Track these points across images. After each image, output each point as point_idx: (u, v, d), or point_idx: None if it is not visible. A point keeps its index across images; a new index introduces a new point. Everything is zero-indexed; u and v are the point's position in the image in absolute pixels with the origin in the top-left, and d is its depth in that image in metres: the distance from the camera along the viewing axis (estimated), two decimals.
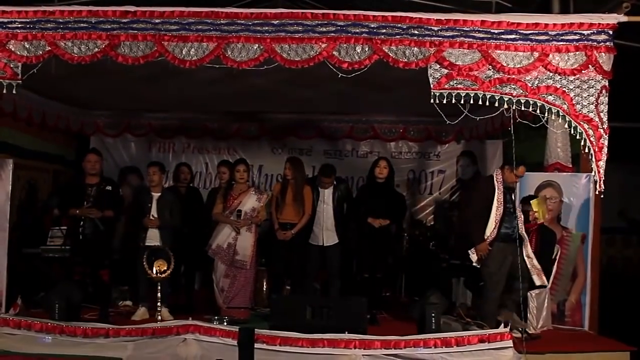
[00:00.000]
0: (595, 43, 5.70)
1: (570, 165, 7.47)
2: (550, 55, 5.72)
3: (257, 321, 6.96)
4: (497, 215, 6.53)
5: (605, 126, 5.69)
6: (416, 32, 5.74)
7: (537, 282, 6.55)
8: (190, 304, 7.89)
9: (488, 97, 5.75)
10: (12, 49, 5.87)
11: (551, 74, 5.74)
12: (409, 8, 5.91)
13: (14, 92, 5.94)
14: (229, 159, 9.33)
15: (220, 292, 7.47)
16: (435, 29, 5.74)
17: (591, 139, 5.67)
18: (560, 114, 5.73)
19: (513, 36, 5.74)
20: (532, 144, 7.96)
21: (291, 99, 9.01)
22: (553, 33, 5.72)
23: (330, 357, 5.85)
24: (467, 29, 5.75)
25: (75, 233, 7.39)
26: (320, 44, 5.75)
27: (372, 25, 5.74)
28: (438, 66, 5.76)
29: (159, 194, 7.56)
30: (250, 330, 5.93)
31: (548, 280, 6.87)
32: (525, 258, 6.51)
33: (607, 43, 5.71)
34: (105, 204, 7.39)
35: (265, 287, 8.36)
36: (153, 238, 7.39)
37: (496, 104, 5.78)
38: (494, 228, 6.52)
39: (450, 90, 5.74)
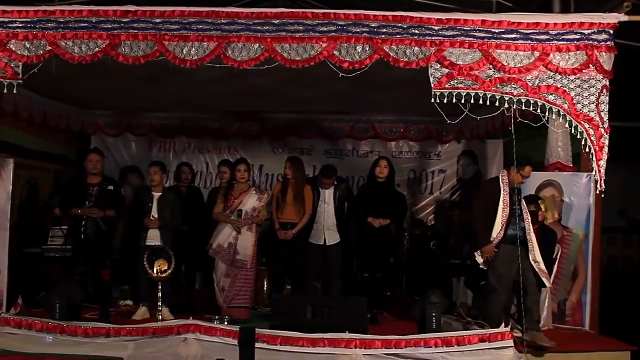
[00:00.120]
0: (595, 42, 5.70)
1: (571, 165, 7.47)
2: (551, 55, 5.72)
3: (257, 321, 6.96)
4: (504, 216, 6.44)
5: (605, 125, 5.68)
6: (417, 31, 5.74)
7: (546, 284, 6.45)
8: (191, 304, 7.90)
9: (489, 96, 5.75)
10: (13, 49, 5.87)
11: (552, 74, 5.74)
12: (410, 7, 5.91)
13: (14, 91, 5.95)
14: (229, 159, 9.33)
15: (220, 292, 7.47)
16: (436, 28, 5.74)
17: (592, 138, 5.67)
18: (561, 113, 5.73)
19: (514, 35, 5.74)
20: (532, 143, 7.96)
21: (292, 98, 9.02)
22: (554, 32, 5.72)
23: (331, 356, 5.85)
24: (467, 29, 5.75)
25: (77, 232, 7.39)
26: (321, 43, 5.75)
27: (373, 25, 5.74)
28: (439, 65, 5.76)
29: (160, 193, 7.56)
30: (251, 329, 5.93)
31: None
32: (532, 263, 6.36)
33: (608, 42, 5.71)
34: (106, 204, 7.39)
35: (265, 286, 8.37)
36: (153, 238, 7.39)
37: (497, 104, 5.78)
38: (500, 230, 6.43)
39: (450, 90, 5.74)
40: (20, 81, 5.91)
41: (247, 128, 10.93)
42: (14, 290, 7.12)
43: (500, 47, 5.74)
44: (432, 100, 5.73)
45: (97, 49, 5.80)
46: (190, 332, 6.02)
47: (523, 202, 6.63)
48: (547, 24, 5.73)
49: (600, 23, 5.69)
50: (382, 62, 5.77)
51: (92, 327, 6.13)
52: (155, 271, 7.10)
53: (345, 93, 8.05)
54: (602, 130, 5.67)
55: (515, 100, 5.74)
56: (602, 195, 5.84)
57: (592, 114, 5.69)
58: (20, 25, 5.86)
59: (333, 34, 5.75)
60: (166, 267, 7.12)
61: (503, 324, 6.03)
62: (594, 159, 5.67)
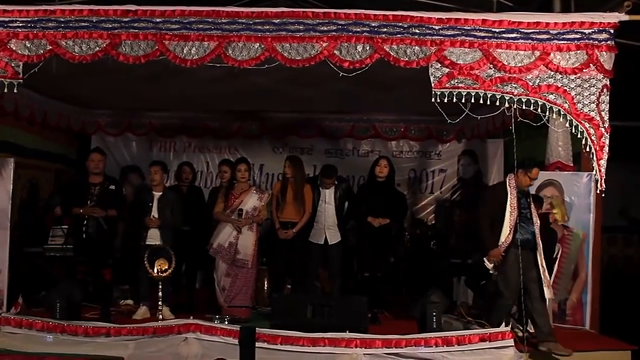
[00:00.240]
0: (596, 42, 5.70)
1: (571, 164, 7.47)
2: (552, 54, 5.72)
3: (258, 320, 6.97)
4: (511, 220, 6.33)
5: (606, 125, 5.68)
6: (417, 31, 5.74)
7: (547, 295, 6.34)
8: (191, 303, 7.91)
9: (489, 96, 5.74)
10: (13, 48, 5.87)
11: (552, 73, 5.73)
12: (410, 7, 5.90)
13: (15, 91, 5.95)
14: (230, 158, 9.34)
15: (221, 291, 7.47)
16: (436, 28, 5.74)
17: (592, 137, 5.67)
18: (562, 112, 5.73)
19: (514, 35, 5.74)
20: (533, 143, 7.96)
21: (292, 98, 9.02)
22: (554, 32, 5.72)
23: (331, 356, 5.85)
24: (468, 28, 5.75)
25: (79, 232, 7.39)
26: (322, 43, 5.75)
27: (373, 24, 5.74)
28: (439, 65, 5.76)
29: (161, 193, 7.57)
30: (252, 329, 5.94)
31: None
32: (540, 267, 6.34)
33: (608, 42, 5.71)
34: (108, 203, 7.39)
35: (266, 286, 8.37)
36: (154, 237, 7.40)
37: (497, 103, 5.78)
38: (509, 234, 6.33)
39: (451, 89, 5.73)
40: (21, 81, 5.91)
41: (248, 127, 10.93)
42: (15, 289, 7.13)
43: (501, 46, 5.74)
44: (433, 99, 5.73)
45: (97, 48, 5.81)
46: (191, 332, 6.02)
47: (532, 205, 6.55)
48: (547, 24, 5.73)
49: (600, 22, 5.69)
50: (382, 62, 5.76)
51: (92, 326, 6.13)
52: (155, 271, 7.11)
53: (345, 92, 8.05)
54: (603, 129, 5.67)
55: (515, 99, 5.74)
56: (603, 195, 5.84)
57: (592, 114, 5.68)
58: (20, 24, 5.86)
59: (333, 33, 5.75)
60: (167, 267, 7.13)
61: (504, 323, 6.03)
62: (595, 158, 5.67)
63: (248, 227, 7.52)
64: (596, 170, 5.68)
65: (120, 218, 7.80)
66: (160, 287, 7.10)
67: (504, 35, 5.74)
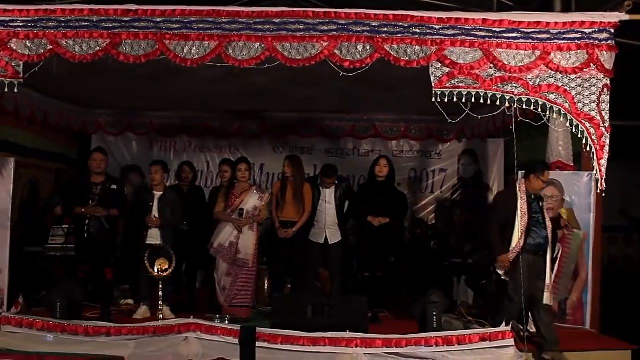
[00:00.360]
0: (596, 41, 5.69)
1: (572, 164, 7.46)
2: (552, 54, 5.71)
3: (258, 320, 6.97)
4: (522, 225, 6.24)
5: (606, 125, 5.68)
6: (417, 30, 5.74)
7: (546, 300, 6.30)
8: (192, 303, 7.91)
9: (489, 95, 5.74)
10: (14, 48, 5.87)
11: (553, 73, 5.73)
12: (411, 7, 5.90)
13: (15, 90, 5.95)
14: (230, 158, 9.35)
15: (222, 291, 7.47)
16: (437, 27, 5.73)
17: (593, 137, 5.66)
18: (562, 112, 5.72)
19: (514, 35, 5.73)
20: (533, 142, 7.96)
21: (292, 97, 9.02)
22: (555, 31, 5.72)
23: (332, 355, 5.85)
24: (468, 28, 5.75)
25: (81, 231, 7.38)
26: (322, 42, 5.75)
27: (374, 24, 5.74)
28: (439, 65, 5.76)
29: (161, 193, 7.57)
30: (252, 328, 5.94)
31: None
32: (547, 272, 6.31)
33: (609, 41, 5.71)
34: (110, 203, 7.38)
35: (266, 285, 8.37)
36: (154, 237, 7.40)
37: (497, 103, 5.78)
38: (520, 239, 6.23)
39: (451, 89, 5.73)
40: (21, 80, 5.91)
41: (248, 127, 10.94)
42: (15, 289, 7.14)
43: (501, 46, 5.74)
44: (433, 99, 5.73)
45: (98, 48, 5.80)
46: (191, 331, 6.03)
47: (545, 210, 6.47)
48: (548, 23, 5.73)
49: (601, 22, 5.69)
50: (383, 61, 5.76)
51: (93, 326, 6.14)
52: (156, 270, 7.11)
53: (346, 92, 8.05)
54: (603, 129, 5.67)
55: (516, 99, 5.74)
56: (603, 195, 5.84)
57: (593, 113, 5.68)
58: (21, 24, 5.86)
59: (334, 33, 5.75)
60: (167, 266, 7.13)
61: (504, 323, 6.03)
62: (595, 158, 5.66)
63: (249, 227, 7.51)
64: (596, 170, 5.68)
65: (121, 217, 7.79)
66: (161, 286, 7.10)
67: (504, 34, 5.74)
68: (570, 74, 5.71)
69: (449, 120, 6.10)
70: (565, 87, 5.72)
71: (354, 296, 7.75)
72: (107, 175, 7.62)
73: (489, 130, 9.42)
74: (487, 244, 6.65)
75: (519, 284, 6.15)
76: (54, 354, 5.92)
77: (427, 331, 6.14)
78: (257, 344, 5.85)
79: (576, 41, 5.70)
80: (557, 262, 7.16)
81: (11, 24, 5.87)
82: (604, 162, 5.66)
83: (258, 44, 5.78)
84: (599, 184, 5.70)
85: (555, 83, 5.73)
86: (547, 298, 6.29)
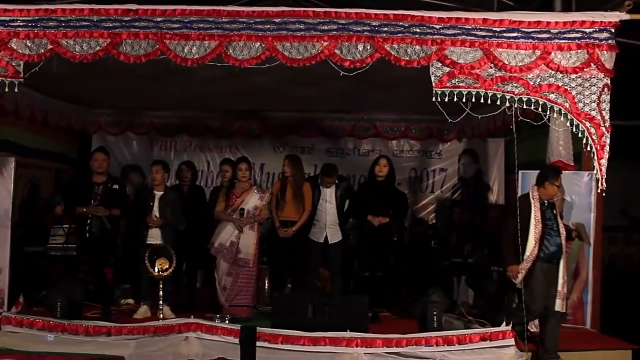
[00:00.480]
0: (597, 41, 5.69)
1: (572, 164, 7.46)
2: (552, 54, 5.71)
3: (259, 319, 6.98)
4: (536, 233, 6.13)
5: (607, 124, 5.68)
6: (418, 30, 5.74)
7: (557, 307, 6.23)
8: (192, 302, 7.91)
9: (490, 95, 5.74)
10: (14, 47, 5.87)
11: (553, 72, 5.73)
12: (411, 6, 5.90)
13: (16, 90, 5.95)
14: (230, 157, 9.35)
15: (222, 291, 7.47)
16: (437, 27, 5.73)
17: (593, 137, 5.66)
18: (562, 112, 5.72)
19: (515, 34, 5.73)
20: (533, 142, 7.96)
21: (293, 97, 9.02)
22: (555, 31, 5.72)
23: (332, 355, 5.86)
24: (468, 27, 5.75)
25: (82, 231, 7.36)
26: (322, 42, 5.75)
27: (374, 24, 5.74)
28: (440, 64, 5.76)
29: (162, 192, 7.57)
30: (252, 328, 5.94)
31: None
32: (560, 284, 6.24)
33: (609, 41, 5.70)
34: (112, 203, 7.37)
35: (267, 285, 8.38)
36: (155, 236, 7.40)
37: (498, 102, 5.78)
38: (534, 247, 6.12)
39: (451, 89, 5.73)
40: (22, 80, 5.91)
41: (248, 127, 10.95)
42: (16, 289, 7.13)
43: (502, 45, 5.74)
44: (433, 99, 5.73)
45: (98, 47, 5.81)
46: (192, 331, 6.03)
47: (559, 217, 6.37)
48: (548, 23, 5.73)
49: (601, 22, 5.69)
50: (383, 61, 5.76)
51: (93, 325, 6.15)
52: (156, 270, 7.12)
53: (346, 92, 8.05)
54: (604, 129, 5.67)
55: (516, 99, 5.74)
56: (604, 194, 5.84)
57: (593, 113, 5.68)
58: (21, 24, 5.86)
59: (334, 32, 5.75)
60: (167, 266, 7.14)
61: (504, 322, 6.03)
62: (595, 157, 5.66)
63: (249, 227, 7.51)
64: (597, 170, 5.68)
65: (123, 217, 7.79)
66: (161, 286, 7.11)
67: (504, 34, 5.74)
68: (570, 74, 5.71)
69: (449, 120, 6.10)
70: (566, 87, 5.72)
71: (354, 296, 7.75)
72: (109, 175, 7.61)
73: (489, 130, 9.42)
74: (499, 252, 6.60)
75: (536, 292, 6.12)
76: (54, 354, 5.93)
77: (428, 331, 6.15)
78: (258, 343, 5.85)
79: (576, 41, 5.70)
80: None
81: (11, 24, 5.87)
82: (604, 161, 5.66)
83: (258, 43, 5.78)
84: (600, 184, 5.70)
85: (555, 83, 5.73)
86: (558, 305, 6.22)
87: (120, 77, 7.42)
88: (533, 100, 5.73)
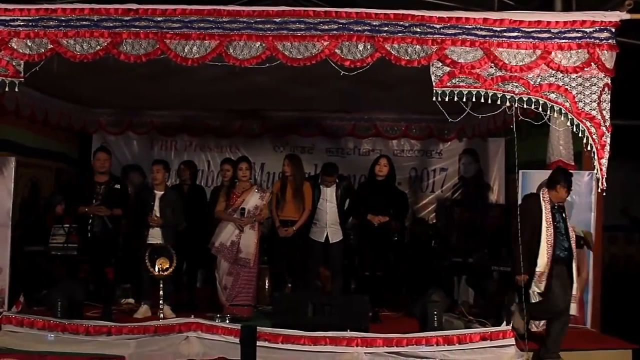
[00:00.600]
0: (597, 41, 5.69)
1: (573, 163, 7.46)
2: (553, 53, 5.71)
3: (259, 319, 6.98)
4: (548, 236, 6.10)
5: (607, 124, 5.67)
6: (418, 30, 5.74)
7: (573, 311, 6.21)
8: (192, 302, 7.91)
9: (490, 95, 5.74)
10: (15, 47, 5.87)
11: (553, 72, 5.72)
12: (411, 6, 5.90)
13: (16, 90, 5.95)
14: (231, 157, 9.35)
15: (223, 290, 7.47)
16: (438, 26, 5.73)
17: (593, 136, 5.66)
18: (563, 111, 5.72)
19: (515, 34, 5.73)
20: (534, 141, 7.95)
21: (293, 96, 9.02)
22: (555, 31, 5.71)
23: (332, 355, 5.86)
24: (469, 27, 5.74)
25: (84, 231, 7.36)
26: (323, 42, 5.75)
27: (374, 23, 5.74)
28: (440, 64, 5.75)
29: (162, 192, 7.58)
30: (253, 328, 5.94)
31: None
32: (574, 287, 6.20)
33: (610, 41, 5.70)
34: (113, 203, 7.36)
35: (267, 284, 8.38)
36: (155, 236, 7.41)
37: (498, 102, 5.78)
38: (549, 249, 6.09)
39: (452, 88, 5.73)
40: (22, 79, 5.91)
41: (249, 126, 10.96)
42: (16, 288, 7.14)
43: (502, 45, 5.73)
44: (434, 98, 5.73)
45: (98, 47, 5.81)
46: (192, 331, 6.03)
47: (567, 220, 6.33)
48: (548, 22, 5.72)
49: (602, 21, 5.68)
50: (383, 61, 5.76)
51: (93, 325, 6.15)
52: (156, 269, 7.11)
53: (346, 91, 8.05)
54: (604, 128, 5.66)
55: (516, 98, 5.73)
56: (604, 194, 5.84)
57: (593, 112, 5.68)
58: (22, 23, 5.86)
59: (334, 32, 5.74)
60: (168, 266, 7.14)
61: (505, 322, 6.03)
62: (596, 157, 5.66)
63: (250, 226, 7.51)
64: (597, 169, 5.67)
65: (124, 217, 7.79)
66: (162, 285, 7.11)
67: (505, 34, 5.73)
68: (571, 73, 5.71)
69: (450, 120, 6.08)
70: (566, 87, 5.71)
71: (354, 295, 7.76)
72: (111, 174, 7.62)
73: (490, 130, 9.43)
74: (499, 251, 6.55)
75: (556, 295, 6.07)
76: (54, 353, 5.93)
77: (428, 330, 6.15)
78: (258, 343, 5.84)
79: (577, 40, 5.70)
80: None
81: (12, 23, 5.87)
82: (604, 161, 5.66)
83: (259, 43, 5.78)
84: (600, 183, 5.69)
85: (555, 82, 5.72)
86: (573, 308, 6.23)
87: (121, 77, 7.42)
88: (533, 100, 5.72)
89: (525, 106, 5.76)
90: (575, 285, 6.20)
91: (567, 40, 5.70)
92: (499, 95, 5.75)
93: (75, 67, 6.08)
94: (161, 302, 7.08)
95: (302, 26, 5.76)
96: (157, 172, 7.59)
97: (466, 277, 8.37)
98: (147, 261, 7.10)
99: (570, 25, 5.71)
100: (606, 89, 5.70)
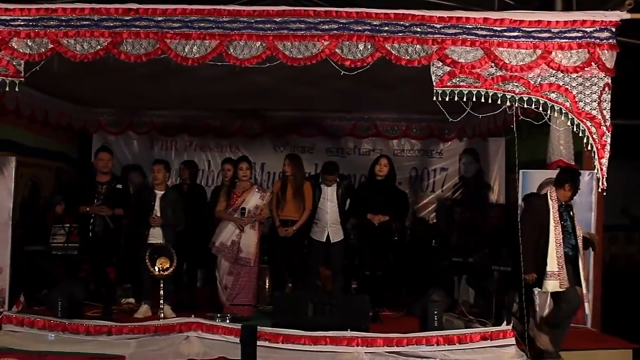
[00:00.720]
0: (598, 40, 5.69)
1: (573, 163, 7.46)
2: (553, 53, 5.71)
3: (259, 319, 6.99)
4: (557, 234, 6.06)
5: (608, 124, 5.67)
6: (419, 29, 5.73)
7: (587, 310, 6.27)
8: (193, 302, 7.91)
9: (490, 94, 5.74)
10: (15, 47, 5.87)
11: (554, 72, 5.72)
12: (412, 5, 5.89)
13: (16, 89, 5.95)
14: (231, 157, 9.35)
15: (223, 290, 7.47)
16: (438, 26, 5.73)
17: (594, 136, 5.66)
18: (563, 111, 5.72)
19: (515, 33, 5.73)
20: (534, 141, 7.95)
21: (293, 96, 9.02)
22: (556, 30, 5.71)
23: (333, 354, 5.86)
24: (469, 27, 5.74)
25: (85, 231, 7.36)
26: (323, 41, 5.75)
27: (375, 23, 5.73)
28: (440, 64, 5.75)
29: (163, 192, 7.58)
30: (253, 327, 5.94)
31: None
32: (583, 287, 6.17)
33: (610, 40, 5.70)
34: (115, 202, 7.36)
35: (267, 284, 8.38)
36: (156, 236, 7.41)
37: (498, 102, 5.77)
38: (558, 248, 6.04)
39: (452, 88, 5.73)
40: (22, 79, 5.90)
41: (249, 126, 10.96)
42: (16, 288, 7.14)
43: (502, 45, 5.73)
44: (434, 98, 5.72)
45: (99, 47, 5.80)
46: (192, 330, 6.03)
47: (575, 218, 6.30)
48: (549, 22, 5.72)
49: (602, 21, 5.68)
50: (384, 60, 5.76)
51: (94, 325, 6.15)
52: (157, 269, 7.11)
53: (347, 91, 8.05)
54: (604, 128, 5.66)
55: (517, 98, 5.73)
56: (604, 194, 5.83)
57: (594, 112, 5.67)
58: (22, 23, 5.86)
59: (335, 32, 5.74)
60: (168, 265, 7.13)
61: (505, 322, 6.03)
62: (596, 157, 5.65)
63: (250, 226, 7.51)
64: (598, 169, 5.66)
65: (125, 217, 7.78)
66: (162, 285, 7.10)
67: (505, 33, 5.73)
68: (571, 73, 5.70)
69: (450, 119, 6.07)
70: (567, 86, 5.71)
71: (355, 295, 7.76)
72: (113, 174, 7.62)
73: (490, 129, 9.43)
74: (499, 251, 6.53)
75: (569, 293, 6.04)
76: (55, 353, 5.93)
77: (428, 330, 6.14)
78: (258, 342, 5.85)
79: (577, 40, 5.70)
80: None
81: (12, 23, 5.87)
82: (605, 161, 5.65)
83: (259, 42, 5.78)
84: (600, 183, 5.68)
85: (556, 82, 5.72)
86: (587, 308, 6.29)
87: (121, 77, 7.42)
88: (534, 100, 5.72)
89: (525, 106, 5.76)
90: (584, 284, 6.19)
91: (567, 40, 5.70)
92: (500, 95, 5.74)
93: (76, 66, 6.08)
94: (161, 301, 7.08)
95: (303, 26, 5.76)
96: (158, 172, 7.59)
97: (466, 276, 8.37)
98: (147, 261, 7.10)
99: (571, 25, 5.71)
100: (606, 88, 5.70)
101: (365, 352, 5.82)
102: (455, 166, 10.49)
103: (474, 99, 5.77)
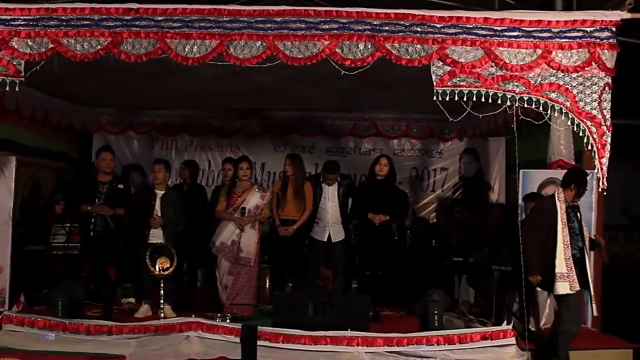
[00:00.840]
0: (598, 40, 5.69)
1: (573, 163, 7.46)
2: (553, 52, 5.71)
3: (259, 318, 6.99)
4: (564, 236, 6.02)
5: (608, 123, 5.67)
6: (419, 29, 5.73)
7: (595, 312, 6.25)
8: (193, 302, 7.91)
9: (491, 94, 5.74)
10: (15, 47, 5.87)
11: (554, 71, 5.72)
12: (412, 5, 5.89)
13: (16, 89, 5.95)
14: (232, 156, 9.35)
15: (223, 289, 7.47)
16: (438, 26, 5.73)
17: (594, 136, 5.66)
18: (563, 111, 5.72)
19: (516, 33, 5.73)
20: (534, 141, 7.95)
21: (294, 96, 9.02)
22: (556, 30, 5.71)
23: (333, 354, 5.86)
24: (469, 26, 5.74)
25: (86, 230, 7.37)
26: (323, 41, 5.75)
27: (375, 23, 5.74)
28: (441, 63, 5.75)
29: (163, 192, 7.58)
30: (253, 327, 5.95)
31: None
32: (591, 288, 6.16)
33: (610, 40, 5.70)
34: (116, 202, 7.36)
35: (268, 284, 8.38)
36: (156, 236, 7.41)
37: (499, 101, 5.77)
38: (566, 249, 6.00)
39: (452, 88, 5.73)
40: (23, 79, 5.91)
41: (249, 126, 10.97)
42: (17, 287, 7.14)
43: (503, 44, 5.73)
44: (434, 98, 5.72)
45: (99, 46, 5.81)
46: (193, 330, 6.04)
47: (582, 219, 6.28)
48: (549, 22, 5.72)
49: (602, 21, 5.68)
50: (384, 60, 5.76)
51: (94, 324, 6.16)
52: (157, 269, 7.11)
53: (347, 91, 8.05)
54: (605, 128, 5.66)
55: (517, 98, 5.73)
56: (604, 193, 5.83)
57: (594, 112, 5.67)
58: (22, 23, 5.86)
59: (335, 31, 5.74)
60: (168, 265, 7.13)
61: (505, 321, 6.03)
62: (596, 156, 5.65)
63: (250, 226, 7.51)
64: (598, 169, 5.67)
65: (126, 217, 7.78)
66: (162, 285, 7.11)
67: (505, 33, 5.73)
68: (571, 73, 5.71)
69: (450, 119, 6.07)
70: (567, 86, 5.71)
71: (355, 295, 7.75)
72: (114, 174, 7.63)
73: (490, 129, 9.43)
74: (499, 251, 6.52)
75: (571, 301, 6.03)
76: (55, 353, 5.94)
77: (429, 330, 6.15)
78: (259, 342, 5.86)
79: (577, 40, 5.70)
80: None
81: (12, 23, 5.87)
82: (605, 160, 5.65)
83: (259, 42, 5.78)
84: (600, 183, 5.69)
85: (556, 82, 5.72)
86: (594, 309, 6.25)
87: (121, 76, 7.43)
88: (534, 99, 5.72)
89: (525, 105, 5.76)
90: (592, 286, 6.17)
91: (567, 40, 5.70)
92: (500, 95, 5.74)
93: (76, 66, 6.09)
94: (162, 301, 7.08)
95: (303, 25, 5.76)
96: (159, 172, 7.59)
97: (467, 276, 8.37)
98: (147, 261, 7.10)
99: (571, 24, 5.71)
100: (607, 88, 5.70)
101: (366, 352, 5.83)
102: (456, 166, 10.50)
103: (474, 99, 5.78)
